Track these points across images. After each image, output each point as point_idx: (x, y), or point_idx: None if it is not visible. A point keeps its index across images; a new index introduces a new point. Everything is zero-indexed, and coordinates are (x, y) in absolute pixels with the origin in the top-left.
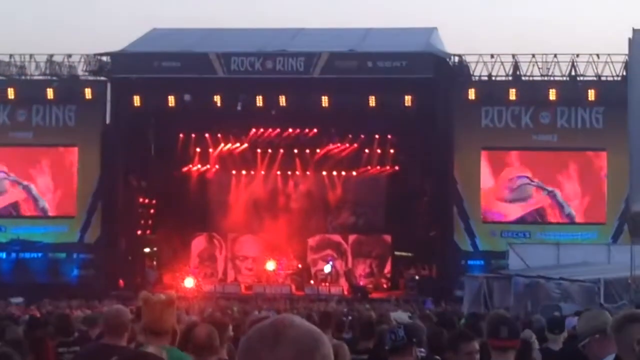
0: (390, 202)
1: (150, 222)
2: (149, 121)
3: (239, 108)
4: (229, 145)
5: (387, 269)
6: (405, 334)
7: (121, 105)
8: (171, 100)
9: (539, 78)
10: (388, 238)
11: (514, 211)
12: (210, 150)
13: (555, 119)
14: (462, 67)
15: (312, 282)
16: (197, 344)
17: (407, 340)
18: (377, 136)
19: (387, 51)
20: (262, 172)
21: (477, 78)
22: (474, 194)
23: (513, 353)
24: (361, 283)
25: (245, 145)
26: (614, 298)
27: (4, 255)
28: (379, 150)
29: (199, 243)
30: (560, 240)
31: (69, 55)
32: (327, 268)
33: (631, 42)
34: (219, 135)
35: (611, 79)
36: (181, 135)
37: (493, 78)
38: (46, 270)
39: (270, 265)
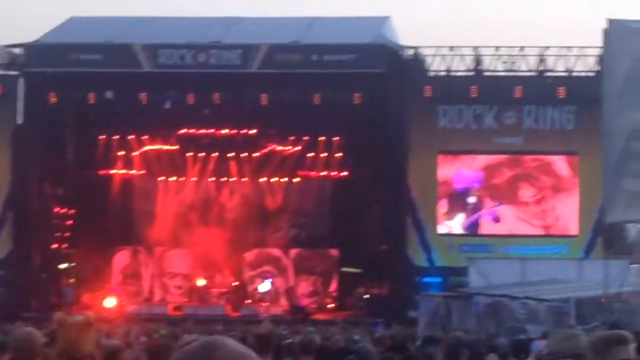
0: (336, 211)
1: (67, 234)
2: (66, 121)
3: (167, 106)
4: (156, 148)
5: (333, 287)
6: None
7: (35, 103)
8: (91, 98)
9: (503, 73)
10: (334, 252)
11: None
12: (135, 153)
13: (521, 119)
14: (417, 61)
15: (248, 301)
16: None
17: None
18: (322, 138)
19: (334, 43)
20: (194, 178)
21: (434, 73)
22: (430, 203)
23: None
24: (304, 303)
25: (175, 147)
26: (586, 319)
27: None
28: (324, 154)
29: (122, 258)
30: (527, 255)
31: None
32: (265, 286)
33: (606, 33)
34: (145, 136)
35: (584, 74)
36: (102, 136)
37: (452, 73)
38: None
39: (202, 283)
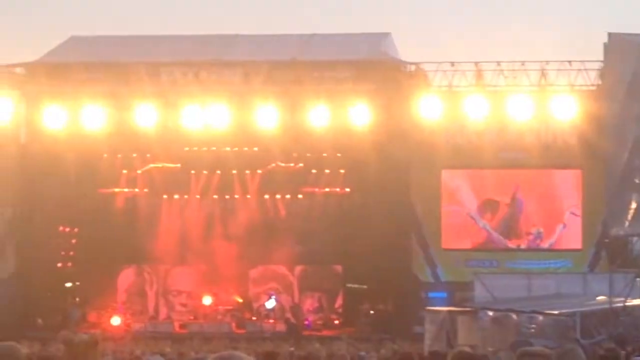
0: (340, 227)
1: (71, 253)
2: (68, 140)
3: (169, 124)
4: (159, 166)
5: (338, 303)
6: None
7: (37, 123)
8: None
9: (505, 88)
10: (338, 268)
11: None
12: (139, 171)
13: (523, 133)
14: (419, 77)
15: (254, 318)
16: None
17: None
18: (324, 154)
19: (334, 59)
20: (197, 196)
21: (435, 88)
22: (434, 219)
23: None
24: (309, 319)
25: (178, 165)
26: (592, 332)
27: None
28: (327, 170)
29: (126, 276)
30: (532, 269)
31: None
32: (270, 303)
33: (606, 47)
34: (148, 155)
35: (585, 88)
36: (105, 155)
37: (454, 88)
38: None
39: (207, 301)
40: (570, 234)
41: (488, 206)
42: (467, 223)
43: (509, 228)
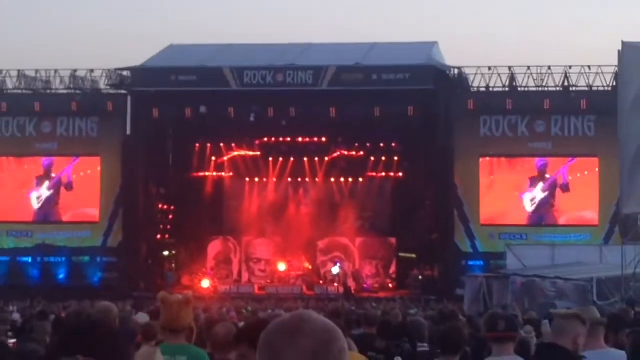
0: (394, 206)
1: (168, 227)
2: (167, 132)
3: (251, 119)
4: (242, 154)
5: (392, 269)
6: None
7: (141, 117)
8: (188, 112)
9: (534, 89)
10: (393, 240)
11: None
12: (225, 158)
13: (549, 127)
14: (461, 79)
15: (321, 282)
16: (217, 342)
17: None
18: (382, 144)
19: (390, 64)
20: (274, 179)
21: (475, 89)
22: (473, 199)
23: (512, 345)
24: (368, 283)
25: (258, 153)
26: (607, 296)
27: (29, 259)
28: (383, 158)
29: (215, 246)
30: (555, 242)
31: (92, 71)
32: (335, 269)
33: (620, 54)
34: (233, 144)
35: (602, 89)
36: (197, 144)
37: (491, 89)
38: (70, 273)
39: (282, 267)
40: (589, 212)
41: (524, 184)
42: (503, 201)
43: (541, 207)
